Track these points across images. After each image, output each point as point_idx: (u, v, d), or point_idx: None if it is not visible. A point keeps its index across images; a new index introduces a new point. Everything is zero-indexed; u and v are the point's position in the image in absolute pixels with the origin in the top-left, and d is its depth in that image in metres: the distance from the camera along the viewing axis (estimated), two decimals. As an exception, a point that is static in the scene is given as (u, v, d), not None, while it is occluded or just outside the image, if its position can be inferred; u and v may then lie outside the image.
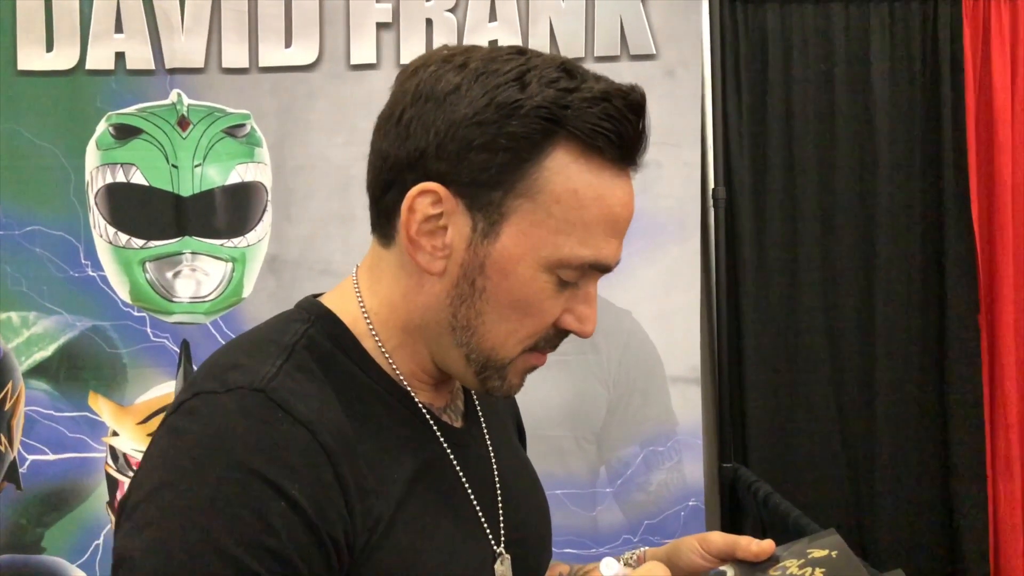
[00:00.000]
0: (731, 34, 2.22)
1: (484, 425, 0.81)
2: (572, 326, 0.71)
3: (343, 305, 0.73)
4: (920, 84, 2.24)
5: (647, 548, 0.91)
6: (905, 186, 2.25)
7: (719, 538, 0.85)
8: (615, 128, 0.66)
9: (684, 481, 2.16)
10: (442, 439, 0.73)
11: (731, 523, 2.20)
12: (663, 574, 0.66)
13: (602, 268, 0.69)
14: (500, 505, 0.76)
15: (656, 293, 2.10)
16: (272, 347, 0.68)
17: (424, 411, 0.73)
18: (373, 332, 0.72)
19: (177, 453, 0.61)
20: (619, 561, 0.89)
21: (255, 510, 0.58)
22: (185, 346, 2.13)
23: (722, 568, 0.82)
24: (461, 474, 0.73)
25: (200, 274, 2.13)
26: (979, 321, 2.26)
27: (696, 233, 2.15)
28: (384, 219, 0.71)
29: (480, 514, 0.73)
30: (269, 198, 2.14)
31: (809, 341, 2.27)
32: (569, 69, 0.67)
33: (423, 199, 0.67)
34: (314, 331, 0.71)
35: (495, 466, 0.78)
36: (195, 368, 2.11)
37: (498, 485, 0.77)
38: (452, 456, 0.73)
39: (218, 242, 2.12)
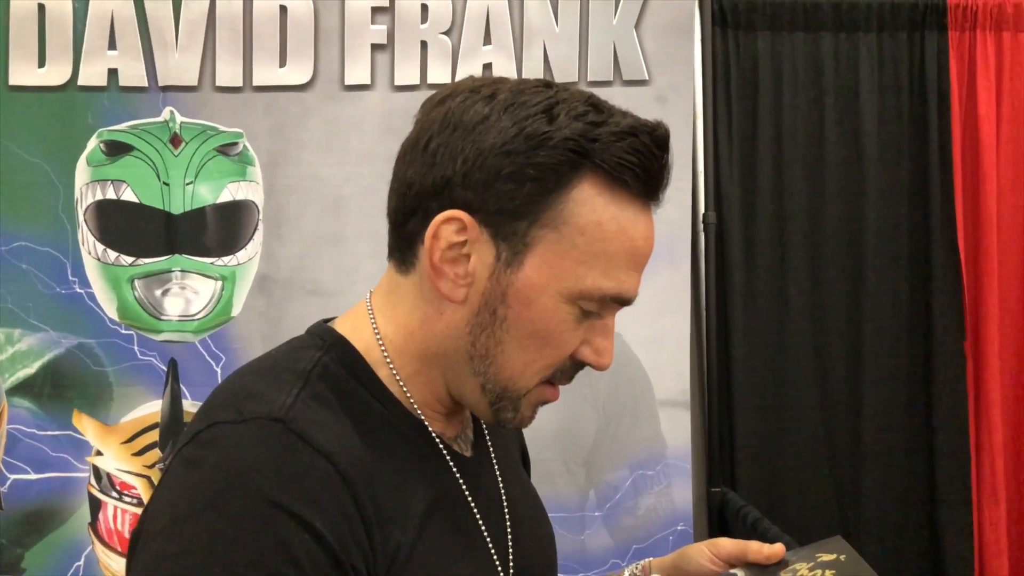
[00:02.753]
0: (722, 61, 2.25)
1: (493, 454, 0.81)
2: (589, 358, 0.71)
3: (357, 332, 0.73)
4: (907, 113, 2.28)
5: (652, 559, 0.92)
6: (893, 214, 2.29)
7: (729, 543, 0.86)
8: (641, 163, 0.66)
9: (673, 505, 2.16)
10: (455, 470, 0.73)
11: (720, 548, 2.20)
12: None
13: (623, 301, 0.70)
14: (510, 537, 0.76)
15: (646, 316, 2.10)
16: (287, 375, 0.68)
17: (437, 441, 0.72)
18: (388, 360, 0.72)
19: (195, 485, 0.61)
20: (626, 573, 0.89)
21: (279, 543, 0.58)
22: (173, 365, 2.11)
23: (733, 571, 0.82)
24: (473, 506, 0.73)
25: (189, 292, 2.11)
26: (965, 349, 2.28)
27: (687, 257, 2.17)
28: (405, 245, 0.71)
29: (491, 547, 0.73)
30: (260, 217, 2.13)
31: (797, 366, 2.28)
32: (596, 104, 0.68)
33: (448, 226, 0.67)
34: (328, 359, 0.70)
35: (504, 497, 0.78)
36: (183, 387, 2.10)
37: (507, 517, 0.77)
38: (464, 487, 0.73)
39: (208, 260, 2.11)
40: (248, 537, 0.58)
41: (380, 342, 0.72)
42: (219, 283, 2.12)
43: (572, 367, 0.72)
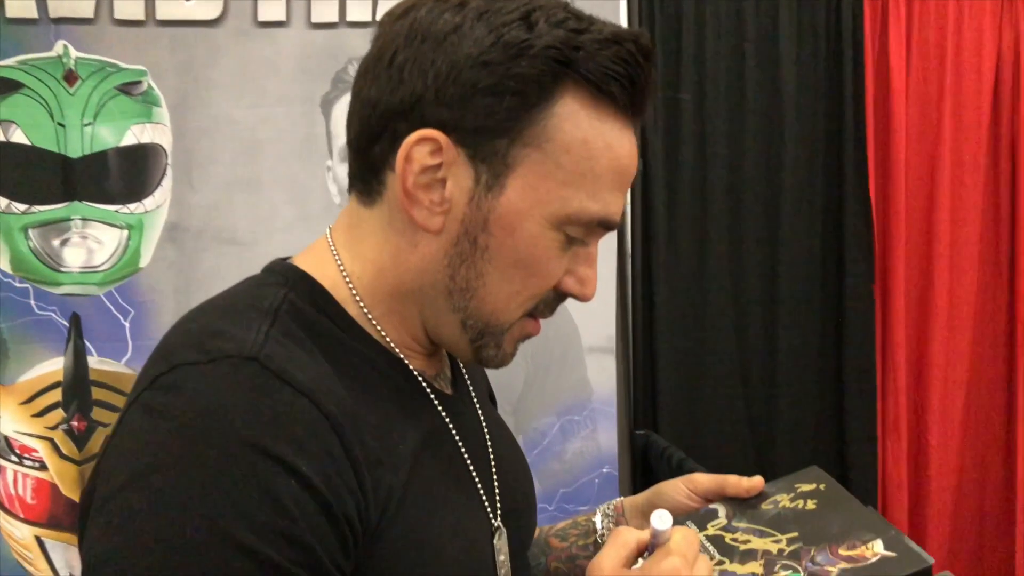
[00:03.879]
0: (647, 11, 2.24)
1: (473, 392, 0.78)
2: (573, 289, 0.67)
3: (320, 269, 0.67)
4: (824, 64, 2.33)
5: (624, 498, 0.90)
6: (808, 160, 2.34)
7: (705, 478, 0.84)
8: (628, 73, 0.62)
9: (599, 449, 2.19)
10: (440, 407, 0.69)
11: (644, 488, 2.25)
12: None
13: (609, 225, 0.66)
14: (495, 476, 0.73)
15: None
16: (252, 312, 0.61)
17: (420, 379, 0.68)
18: (357, 298, 0.66)
19: (161, 434, 0.54)
20: (598, 514, 0.88)
21: (265, 491, 0.52)
22: (75, 320, 1.97)
23: (713, 506, 0.81)
24: (460, 444, 0.70)
25: (92, 242, 1.97)
26: (873, 292, 2.38)
27: (612, 204, 2.17)
28: (370, 173, 0.65)
29: (479, 485, 0.70)
30: (169, 161, 2.01)
31: (716, 311, 2.34)
32: (574, 11, 0.63)
33: (421, 148, 0.62)
34: (294, 295, 0.64)
35: (487, 435, 0.75)
36: (87, 344, 1.97)
37: (491, 455, 0.74)
38: (450, 425, 0.69)
39: (112, 208, 1.97)
40: (228, 486, 0.52)
41: (347, 280, 0.67)
42: (124, 232, 1.99)
43: (556, 298, 0.68)
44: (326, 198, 2.04)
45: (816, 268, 2.38)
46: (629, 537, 0.64)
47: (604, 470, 2.19)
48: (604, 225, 0.66)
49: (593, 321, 2.15)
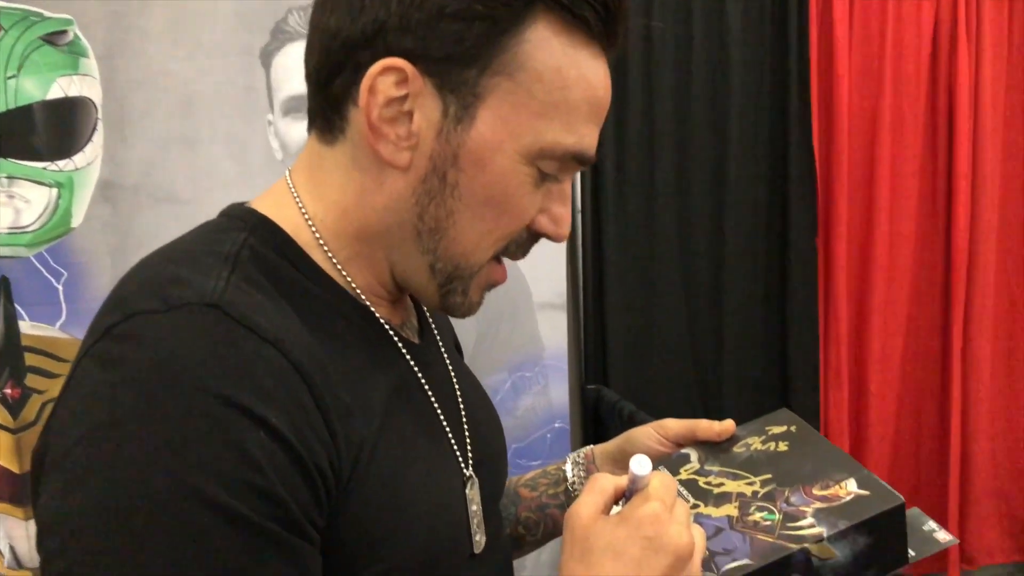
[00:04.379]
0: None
1: (440, 341, 0.75)
2: (547, 228, 0.65)
3: (280, 212, 0.63)
4: (769, 18, 2.34)
5: (593, 446, 0.90)
6: (754, 119, 2.36)
7: (676, 423, 0.84)
8: None
9: (550, 404, 2.19)
10: (408, 356, 0.66)
11: (595, 442, 2.27)
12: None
13: (583, 160, 0.63)
14: (465, 425, 0.71)
15: None
16: (210, 259, 0.58)
17: (387, 327, 0.66)
18: (321, 242, 0.63)
19: (119, 386, 0.50)
20: (568, 462, 0.87)
21: (231, 443, 0.49)
22: (4, 283, 1.88)
23: (684, 451, 0.81)
24: (430, 394, 0.67)
25: (19, 201, 1.87)
26: (816, 243, 2.42)
27: (560, 160, 2.15)
28: (331, 109, 0.62)
29: (450, 435, 0.68)
30: (99, 116, 1.91)
31: (664, 267, 2.35)
32: None
33: (386, 78, 0.58)
34: (255, 240, 0.61)
35: (456, 384, 0.73)
36: (17, 308, 1.88)
37: (461, 404, 0.72)
38: (419, 374, 0.67)
39: (39, 165, 1.87)
40: (193, 439, 0.49)
41: (310, 223, 0.63)
42: (54, 190, 1.89)
43: (528, 239, 0.65)
44: (267, 154, 1.97)
45: (761, 221, 2.41)
46: (607, 483, 0.63)
47: (556, 425, 2.20)
48: (579, 159, 0.63)
49: (543, 278, 2.14)
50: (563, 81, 0.60)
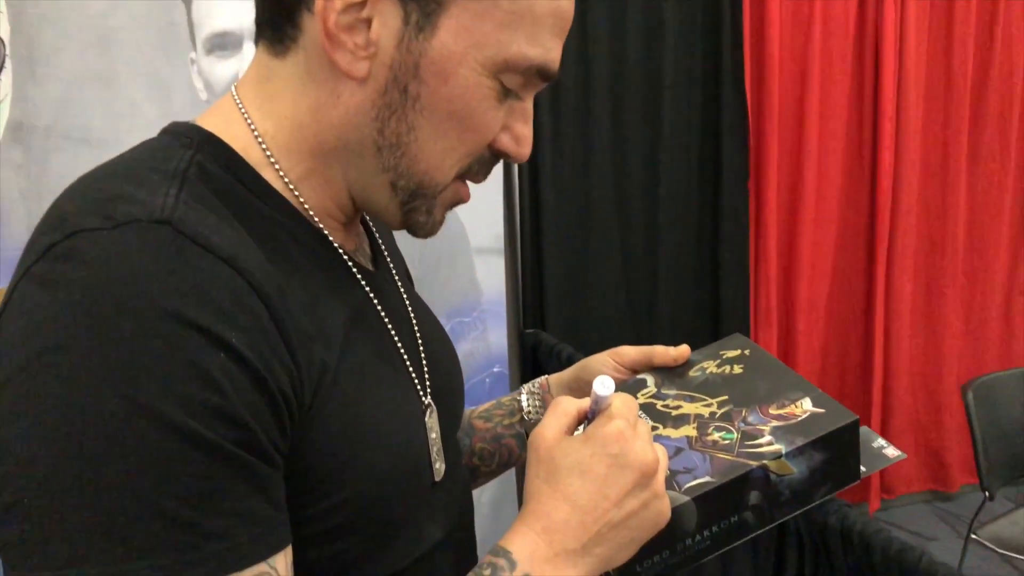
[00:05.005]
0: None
1: (393, 269, 0.73)
2: (509, 147, 0.62)
3: (228, 129, 0.59)
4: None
5: (547, 376, 0.89)
6: (687, 58, 2.36)
7: (632, 350, 0.83)
8: None
9: (489, 349, 2.19)
10: (364, 283, 0.64)
11: (534, 386, 2.29)
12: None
13: (547, 75, 0.61)
14: (422, 354, 0.69)
15: None
16: (156, 175, 0.54)
17: (342, 252, 0.63)
18: (272, 160, 0.59)
19: (63, 308, 0.47)
20: (524, 392, 0.87)
21: (191, 364, 0.46)
22: (-92, 232, 1.77)
23: (641, 376, 0.81)
24: (386, 321, 0.65)
25: (-79, 144, 1.76)
26: (748, 188, 2.46)
27: (497, 104, 2.12)
28: (282, 17, 0.58)
29: (408, 363, 0.66)
30: (7, 52, 1.79)
31: (600, 210, 2.36)
32: None
33: None
34: (202, 158, 0.57)
35: (411, 312, 0.71)
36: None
37: (418, 332, 0.70)
38: (376, 301, 0.65)
39: (-58, 105, 1.75)
40: (150, 361, 0.46)
41: (260, 140, 0.59)
42: (-41, 133, 1.78)
43: (490, 158, 0.63)
44: (191, 94, 1.88)
45: (694, 167, 2.43)
46: (569, 406, 0.62)
47: (495, 369, 2.20)
48: (543, 74, 0.60)
49: (481, 222, 2.12)
50: None
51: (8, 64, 1.80)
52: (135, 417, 0.45)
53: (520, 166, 2.23)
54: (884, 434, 2.80)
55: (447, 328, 2.34)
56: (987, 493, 2.10)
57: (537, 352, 2.25)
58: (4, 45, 1.80)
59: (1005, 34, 2.67)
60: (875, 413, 2.73)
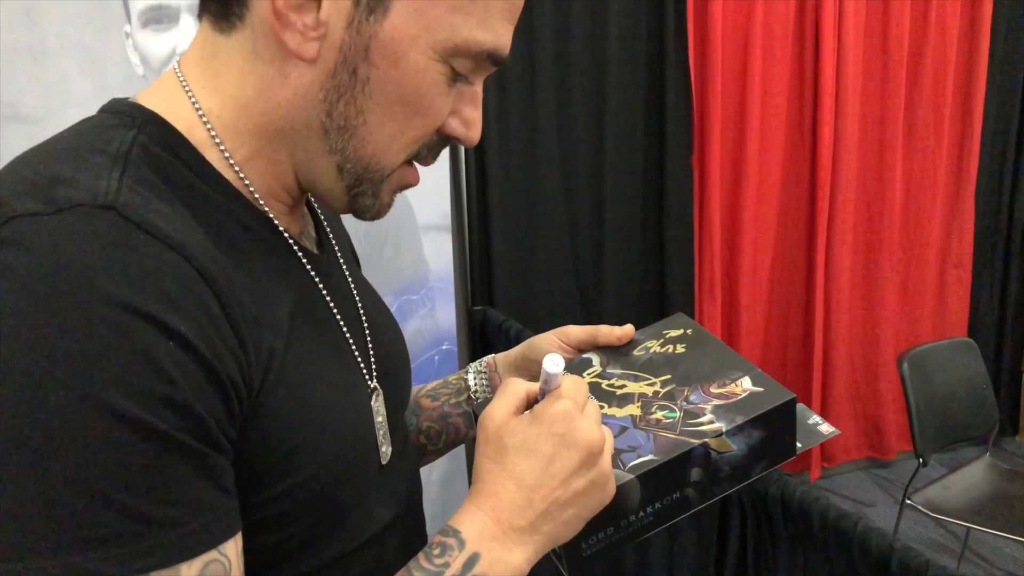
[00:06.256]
0: None
1: (339, 253, 0.72)
2: (458, 131, 0.62)
3: (171, 107, 0.58)
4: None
5: (494, 355, 0.89)
6: (632, 35, 2.37)
7: (577, 329, 0.84)
8: None
9: (437, 327, 2.19)
10: (309, 268, 0.63)
11: (483, 363, 2.30)
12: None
13: (498, 60, 0.60)
14: (368, 338, 0.69)
15: None
16: (98, 157, 0.52)
17: (287, 236, 0.62)
18: (217, 140, 0.58)
19: (5, 297, 0.45)
20: (471, 372, 0.87)
21: (140, 353, 0.46)
22: None
23: (586, 356, 0.82)
24: (332, 306, 0.65)
25: None
26: (692, 163, 2.48)
27: (442, 79, 2.10)
28: None
29: (353, 347, 0.66)
30: (-71, 24, 1.72)
31: (547, 187, 2.36)
32: None
33: None
34: (145, 139, 0.55)
35: (356, 296, 0.70)
36: None
37: (363, 315, 0.70)
38: (321, 287, 0.64)
39: None
40: (97, 350, 0.45)
41: (204, 119, 0.58)
42: None
43: (439, 142, 0.62)
44: (127, 69, 1.83)
45: (639, 142, 2.44)
46: (519, 387, 0.63)
47: (444, 347, 2.20)
48: (493, 59, 0.60)
49: (428, 199, 2.11)
50: None
51: (-70, 37, 1.73)
52: (83, 407, 0.45)
53: (465, 142, 2.22)
54: (824, 404, 2.89)
55: (394, 306, 2.33)
56: (921, 460, 2.18)
57: (486, 329, 2.25)
58: (-75, 17, 1.72)
59: (939, 11, 2.73)
60: (815, 384, 2.80)
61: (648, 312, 2.53)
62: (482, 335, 2.27)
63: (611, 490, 0.63)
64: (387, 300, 2.30)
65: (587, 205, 2.42)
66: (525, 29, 2.25)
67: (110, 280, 0.46)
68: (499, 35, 0.59)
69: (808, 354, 2.78)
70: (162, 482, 0.47)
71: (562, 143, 2.36)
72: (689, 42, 2.39)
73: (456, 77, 0.59)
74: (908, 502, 2.19)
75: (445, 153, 2.07)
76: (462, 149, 2.22)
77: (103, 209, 0.48)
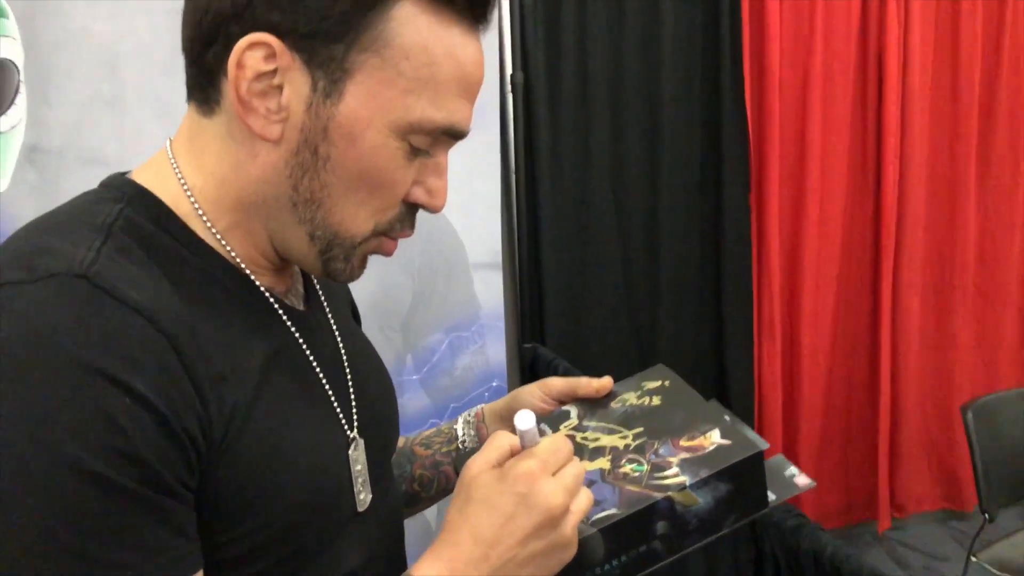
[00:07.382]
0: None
1: (328, 308, 0.77)
2: (422, 199, 0.66)
3: (160, 183, 0.65)
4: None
5: (484, 405, 0.92)
6: (687, 72, 2.37)
7: (558, 381, 0.87)
8: None
9: (488, 363, 2.22)
10: (289, 323, 0.68)
11: (534, 400, 2.31)
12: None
13: (456, 134, 0.65)
14: (352, 392, 0.73)
15: (457, 182, 2.03)
16: (84, 229, 0.59)
17: (267, 294, 0.67)
18: (200, 212, 0.64)
19: None
20: (460, 421, 0.90)
21: (98, 410, 0.51)
22: (-72, 250, 1.85)
23: (566, 408, 0.84)
24: (312, 360, 0.69)
25: (-59, 166, 1.84)
26: (750, 200, 2.46)
27: (496, 120, 2.15)
28: (206, 81, 0.63)
29: (333, 399, 0.70)
30: (21, 78, 1.87)
31: (600, 224, 2.37)
32: None
33: (254, 53, 0.59)
34: (131, 211, 0.62)
35: (342, 349, 0.75)
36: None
37: (347, 369, 0.74)
38: (302, 341, 0.69)
39: (-39, 129, 1.84)
40: (60, 407, 0.50)
41: (189, 194, 0.64)
42: (-23, 155, 1.86)
43: (408, 211, 0.67)
44: (197, 116, 1.95)
45: (695, 178, 2.43)
46: (503, 441, 0.66)
47: (493, 384, 2.23)
48: (450, 134, 0.65)
49: (479, 237, 2.16)
50: (430, 58, 0.61)
51: (23, 89, 1.88)
52: (45, 460, 0.50)
53: (518, 180, 2.26)
54: (892, 450, 2.78)
55: (445, 343, 2.36)
56: (986, 515, 2.08)
57: (535, 366, 2.27)
58: (19, 71, 1.88)
59: (1013, 39, 2.64)
60: (883, 429, 2.71)
61: (704, 352, 2.50)
62: (532, 372, 2.29)
63: (571, 553, 0.65)
64: (438, 336, 2.35)
65: (641, 242, 2.42)
66: (578, 65, 2.28)
67: (74, 342, 0.52)
68: (452, 112, 0.63)
69: (874, 399, 2.70)
70: (117, 529, 0.52)
71: (615, 179, 2.37)
72: (745, 77, 2.38)
73: (416, 152, 0.64)
74: (974, 559, 2.10)
75: (495, 191, 2.13)
76: (513, 186, 2.26)
77: (76, 277, 0.55)
